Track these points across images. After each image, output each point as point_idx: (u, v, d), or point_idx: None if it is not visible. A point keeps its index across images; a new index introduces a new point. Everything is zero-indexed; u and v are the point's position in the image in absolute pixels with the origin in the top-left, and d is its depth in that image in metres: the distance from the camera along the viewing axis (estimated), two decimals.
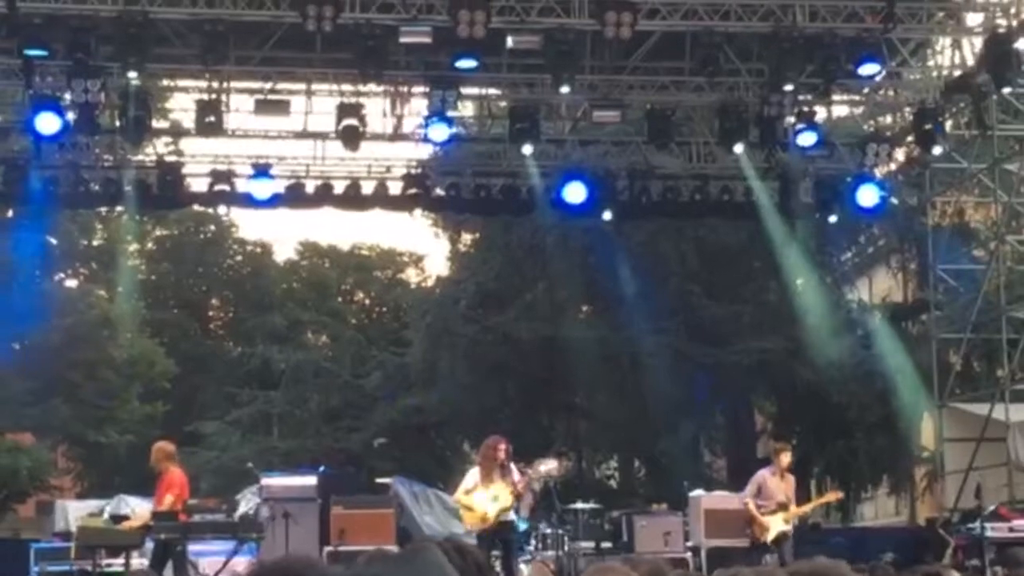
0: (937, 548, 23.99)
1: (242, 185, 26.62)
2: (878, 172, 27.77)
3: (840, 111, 29.78)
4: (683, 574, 8.05)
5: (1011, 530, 23.02)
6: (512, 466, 19.55)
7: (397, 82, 25.33)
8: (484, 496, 19.19)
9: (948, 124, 27.71)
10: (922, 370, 32.50)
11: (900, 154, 30.54)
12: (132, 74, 22.65)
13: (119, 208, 37.93)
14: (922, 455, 39.90)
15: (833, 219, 29.96)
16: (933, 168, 30.94)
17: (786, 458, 21.64)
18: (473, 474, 19.78)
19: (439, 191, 28.34)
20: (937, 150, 26.72)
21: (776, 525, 20.89)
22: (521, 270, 39.06)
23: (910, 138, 27.81)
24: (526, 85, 25.32)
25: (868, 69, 23.65)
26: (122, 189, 26.70)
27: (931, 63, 27.04)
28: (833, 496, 24.36)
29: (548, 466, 21.45)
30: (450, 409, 40.30)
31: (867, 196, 27.09)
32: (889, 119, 29.29)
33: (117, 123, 24.72)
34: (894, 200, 33.61)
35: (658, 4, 22.19)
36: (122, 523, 21.32)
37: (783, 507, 20.97)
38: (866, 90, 27.21)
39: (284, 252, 57.38)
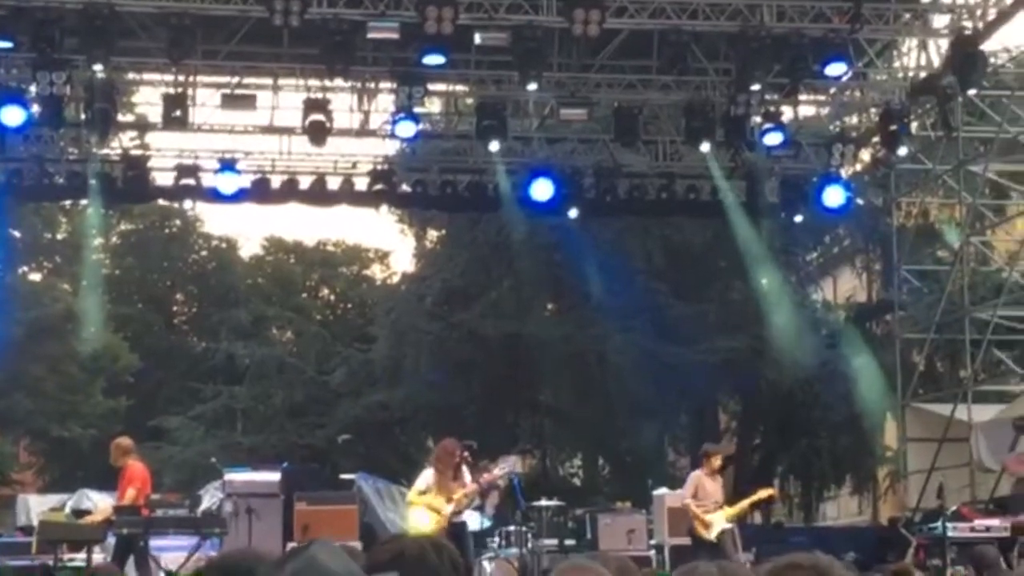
0: (899, 548, 24.05)
1: (208, 180, 26.54)
2: (844, 172, 27.86)
3: (807, 111, 29.90)
4: (650, 572, 8.06)
5: (972, 530, 23.06)
6: (464, 468, 19.47)
7: (364, 78, 25.28)
8: (437, 498, 19.11)
9: (914, 125, 27.81)
10: (886, 370, 32.63)
11: (866, 155, 30.72)
12: (97, 67, 22.52)
13: (84, 201, 37.78)
14: (885, 455, 40.10)
15: (798, 219, 30.00)
16: (898, 169, 31.08)
17: (717, 462, 21.77)
18: (426, 475, 19.66)
19: (405, 187, 28.31)
20: (902, 151, 26.83)
21: (718, 522, 21.01)
22: (487, 267, 39.07)
23: (876, 139, 27.91)
24: (493, 82, 25.30)
25: (835, 69, 23.69)
26: (87, 182, 26.57)
27: (897, 64, 27.15)
28: (765, 493, 24.39)
29: (510, 463, 21.42)
30: (415, 406, 40.29)
31: (833, 196, 27.15)
32: (855, 119, 29.38)
33: (82, 116, 24.59)
34: (859, 200, 33.77)
35: (626, 2, 22.18)
36: (84, 518, 21.25)
37: (720, 506, 21.11)
38: (832, 90, 27.28)
39: (249, 247, 57.34)
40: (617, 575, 6.32)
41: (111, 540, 20.26)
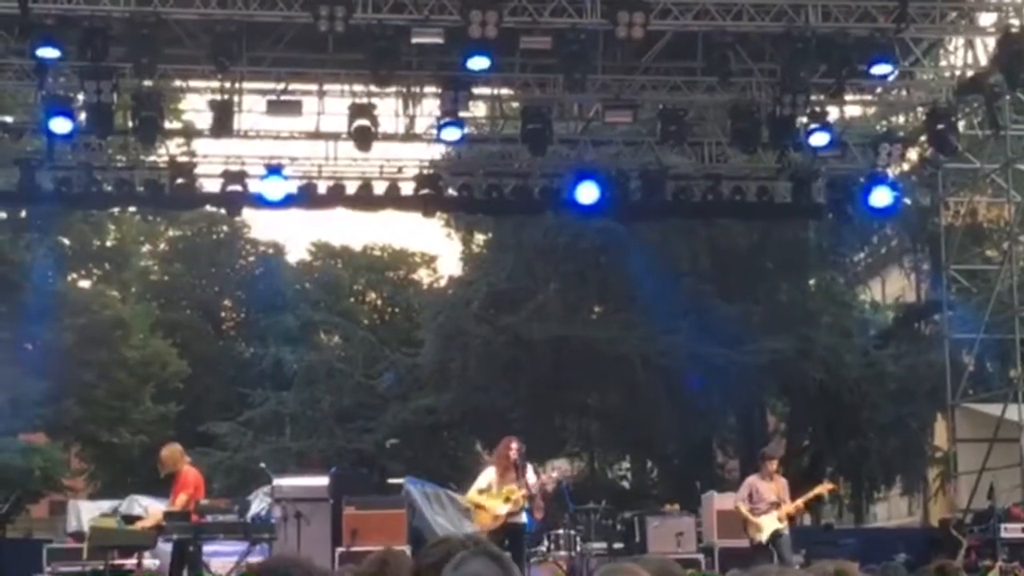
0: (950, 548, 23.93)
1: (254, 186, 26.60)
2: (890, 172, 27.74)
3: (853, 111, 29.76)
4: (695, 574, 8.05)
5: None
6: (528, 466, 19.56)
7: (409, 82, 25.31)
8: (496, 496, 19.19)
9: (961, 124, 27.66)
10: (935, 370, 32.46)
11: (913, 154, 30.53)
12: (144, 75, 22.63)
13: (132, 209, 38.02)
14: (935, 455, 39.89)
15: (846, 219, 29.87)
16: (946, 168, 30.89)
17: (772, 465, 21.73)
18: (488, 474, 19.77)
19: (451, 191, 28.32)
20: (950, 150, 26.66)
21: (769, 524, 20.98)
22: (533, 270, 39.07)
23: (923, 138, 27.76)
24: (538, 85, 25.28)
25: (881, 69, 23.58)
26: (135, 190, 26.70)
27: (944, 63, 27.01)
28: (824, 488, 24.34)
29: (561, 469, 21.48)
30: (462, 410, 40.32)
31: (880, 196, 27.03)
32: (902, 119, 29.26)
33: (130, 124, 24.73)
34: (907, 200, 33.60)
35: (670, 4, 22.14)
36: (134, 523, 21.33)
37: (775, 506, 21.07)
38: (879, 90, 27.15)
39: (296, 253, 57.50)
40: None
41: (161, 546, 20.37)
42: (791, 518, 22.04)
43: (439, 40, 22.13)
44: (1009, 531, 23.32)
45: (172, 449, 20.67)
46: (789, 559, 20.81)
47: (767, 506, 21.15)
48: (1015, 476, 28.15)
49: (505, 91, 27.28)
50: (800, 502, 22.03)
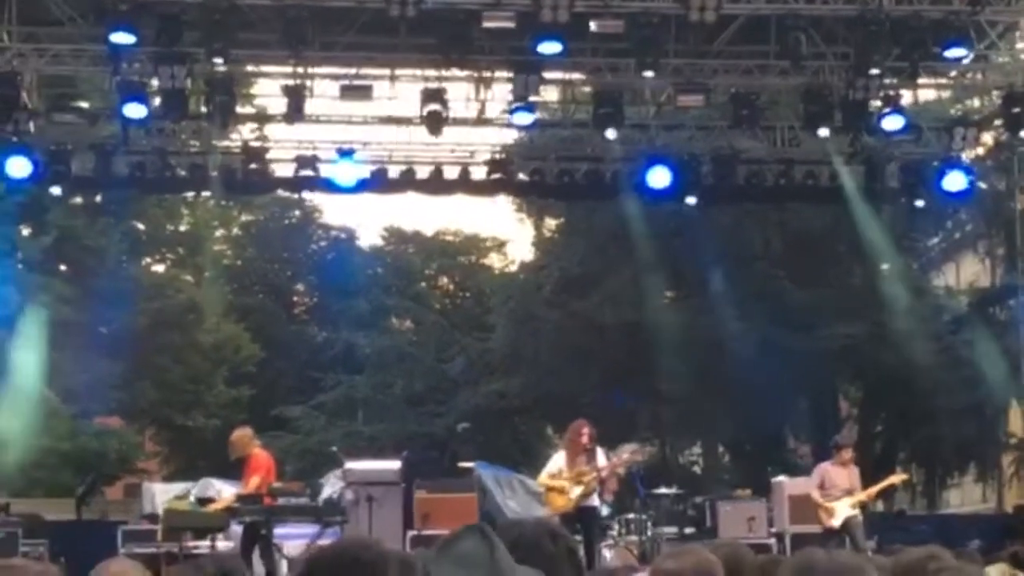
0: None
1: (326, 170, 26.71)
2: (965, 156, 27.52)
3: (927, 95, 29.53)
4: (765, 558, 8.04)
5: None
6: (598, 450, 19.60)
7: (480, 67, 25.31)
8: (568, 480, 19.24)
9: None
10: (1009, 356, 32.22)
11: (988, 138, 30.23)
12: (218, 60, 22.76)
13: (205, 193, 38.25)
14: (1009, 442, 39.58)
15: (919, 204, 29.65)
16: (1021, 152, 30.64)
17: (847, 454, 21.79)
18: (558, 458, 19.84)
19: (523, 176, 28.31)
20: None
21: (842, 510, 20.99)
22: (605, 255, 39.02)
23: (998, 122, 27.49)
24: (610, 70, 25.22)
25: (955, 52, 23.40)
26: (208, 175, 26.85)
27: (1020, 46, 26.76)
28: (898, 478, 24.23)
29: (632, 451, 21.50)
30: (533, 394, 40.38)
31: (954, 181, 26.82)
32: (977, 102, 29.03)
33: (203, 109, 24.87)
34: (982, 185, 33.32)
35: None
36: (207, 506, 21.51)
37: (848, 493, 21.08)
38: (953, 73, 26.93)
39: (368, 237, 57.66)
40: (728, 561, 6.33)
41: (235, 527, 20.53)
42: (863, 506, 22.02)
43: (510, 24, 22.14)
44: None
45: (242, 433, 20.85)
46: (863, 544, 20.77)
47: (840, 492, 21.14)
48: None
49: (576, 75, 27.24)
50: (872, 491, 22.03)
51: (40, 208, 38.60)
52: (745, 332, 35.58)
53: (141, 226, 46.89)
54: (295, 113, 24.47)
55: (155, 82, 23.07)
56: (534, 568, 4.77)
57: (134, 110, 23.58)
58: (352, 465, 24.92)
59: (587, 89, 26.89)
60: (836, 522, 21.02)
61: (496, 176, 27.40)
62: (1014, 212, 32.55)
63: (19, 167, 24.97)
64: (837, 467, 21.49)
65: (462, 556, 4.26)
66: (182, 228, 50.43)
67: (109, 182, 27.49)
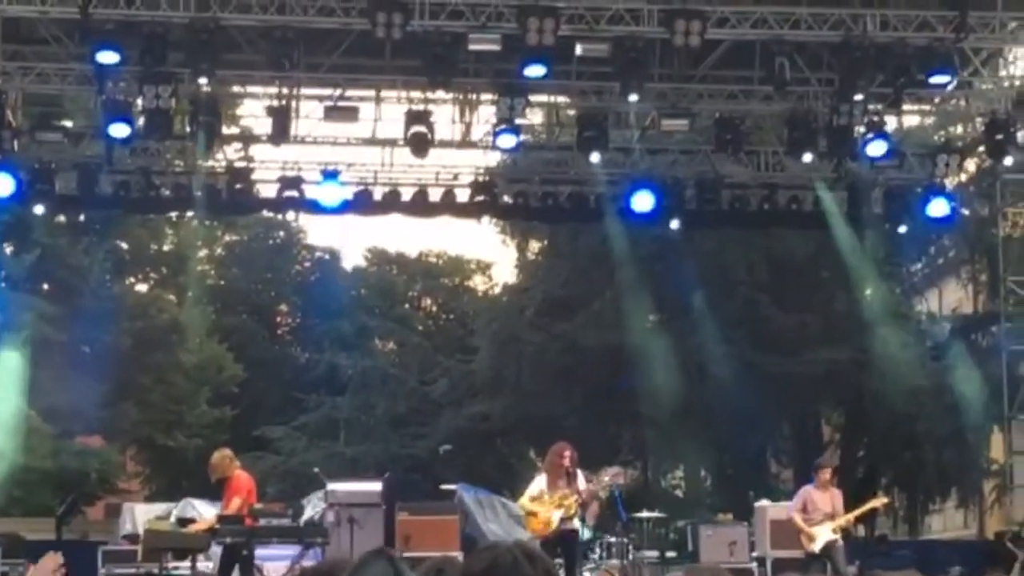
0: (1005, 562, 23.80)
1: (311, 191, 26.71)
2: (948, 183, 27.57)
3: (910, 121, 29.60)
4: None
5: None
6: (579, 473, 19.58)
7: (466, 89, 25.35)
8: (549, 503, 19.21)
9: (1020, 135, 27.46)
10: (992, 382, 32.28)
11: (971, 165, 30.37)
12: (203, 80, 22.75)
13: (189, 213, 38.20)
14: (991, 468, 39.62)
15: (903, 229, 29.72)
16: (1004, 179, 30.75)
17: (826, 475, 21.82)
18: (539, 481, 19.82)
19: (507, 198, 28.31)
20: (1008, 161, 26.47)
21: (823, 535, 21.02)
22: (588, 278, 39.05)
23: (981, 148, 27.57)
24: (594, 93, 25.27)
25: (939, 79, 23.47)
26: (192, 194, 26.82)
27: (1003, 73, 26.82)
28: (879, 502, 24.30)
29: (613, 475, 21.49)
30: (516, 416, 40.34)
31: (937, 207, 26.89)
32: (960, 129, 29.09)
33: (188, 129, 24.87)
34: (964, 211, 33.42)
35: (728, 13, 22.10)
36: (189, 526, 21.47)
37: (830, 517, 21.10)
38: (937, 100, 27.01)
39: (352, 258, 57.65)
40: None
41: (216, 549, 20.49)
42: (844, 530, 22.03)
43: (496, 47, 22.17)
44: None
45: (222, 454, 20.84)
46: (843, 569, 20.78)
47: (822, 516, 21.16)
48: None
49: (561, 99, 27.30)
50: (853, 515, 22.04)
51: (23, 227, 38.50)
52: (728, 356, 35.59)
53: (125, 245, 46.87)
54: (280, 134, 24.47)
55: (140, 102, 23.01)
56: None
57: (119, 129, 23.54)
58: (334, 486, 24.88)
59: (572, 112, 26.95)
60: (817, 547, 21.04)
61: (480, 198, 27.42)
62: (996, 238, 32.66)
63: (2, 185, 24.90)
64: (819, 490, 21.51)
65: None
66: (166, 248, 50.39)
67: (93, 201, 27.47)
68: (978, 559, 25.80)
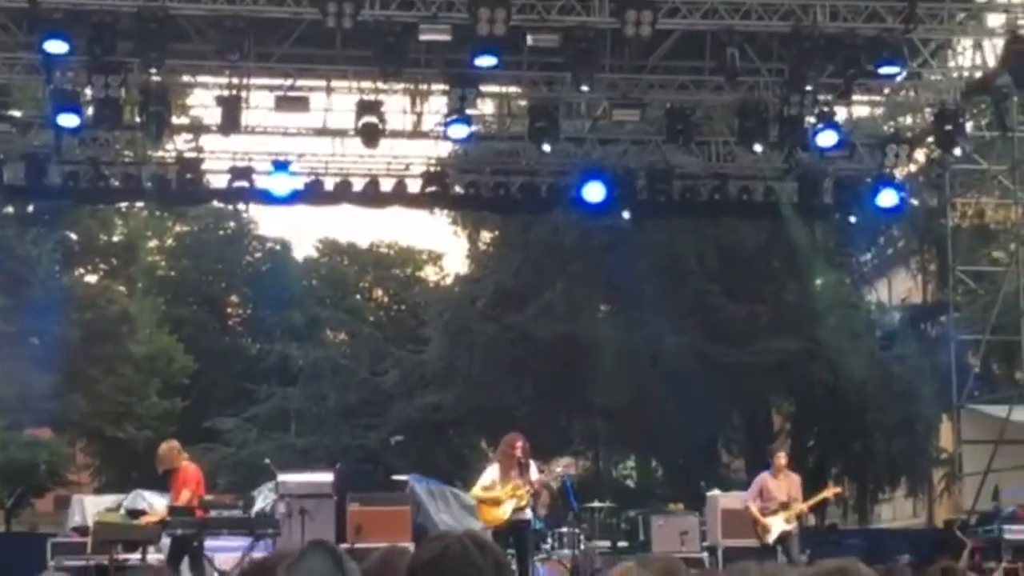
0: (954, 550, 23.93)
1: (261, 182, 26.63)
2: (898, 173, 27.70)
3: (860, 111, 29.73)
4: (700, 572, 8.07)
5: None
6: (531, 463, 19.61)
7: (417, 80, 25.31)
8: (501, 493, 19.22)
9: (968, 125, 27.62)
10: (941, 371, 32.46)
11: (920, 155, 30.52)
12: (152, 70, 22.64)
13: (139, 204, 37.99)
14: (940, 457, 39.88)
15: (853, 220, 29.85)
16: (953, 169, 30.92)
17: (781, 459, 21.95)
18: (491, 471, 19.83)
19: (458, 189, 28.30)
20: (957, 151, 26.64)
21: (777, 525, 21.14)
22: (540, 269, 39.06)
23: (930, 139, 27.70)
24: (546, 83, 25.27)
25: (889, 69, 23.54)
26: (142, 185, 26.71)
27: (952, 64, 26.95)
28: (831, 492, 24.44)
29: (565, 465, 21.53)
30: (467, 407, 40.32)
31: (887, 198, 27.02)
32: (909, 120, 29.21)
33: (137, 119, 24.73)
34: (914, 201, 33.59)
35: (678, 3, 22.10)
36: (139, 518, 21.38)
37: (784, 507, 21.20)
38: (887, 90, 27.13)
39: (303, 249, 57.50)
40: (663, 575, 6.33)
41: (166, 540, 20.40)
42: (798, 518, 22.15)
43: (447, 37, 22.12)
44: (1014, 533, 23.29)
45: (170, 446, 20.78)
46: (796, 558, 20.89)
47: (776, 506, 21.24)
48: (1020, 478, 28.14)
49: (513, 89, 27.28)
50: (805, 506, 22.16)
51: None
52: (679, 346, 35.68)
53: (74, 236, 46.57)
54: (230, 124, 24.37)
55: (89, 91, 22.88)
56: None
57: (67, 119, 23.42)
58: (285, 478, 24.82)
59: (523, 103, 26.94)
60: (771, 538, 21.15)
61: (431, 189, 27.39)
62: (946, 228, 32.81)
63: None
64: (775, 478, 21.60)
65: (312, 572, 4.28)
66: (115, 238, 50.08)
67: (42, 191, 27.33)
68: (927, 547, 25.92)
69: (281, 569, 4.35)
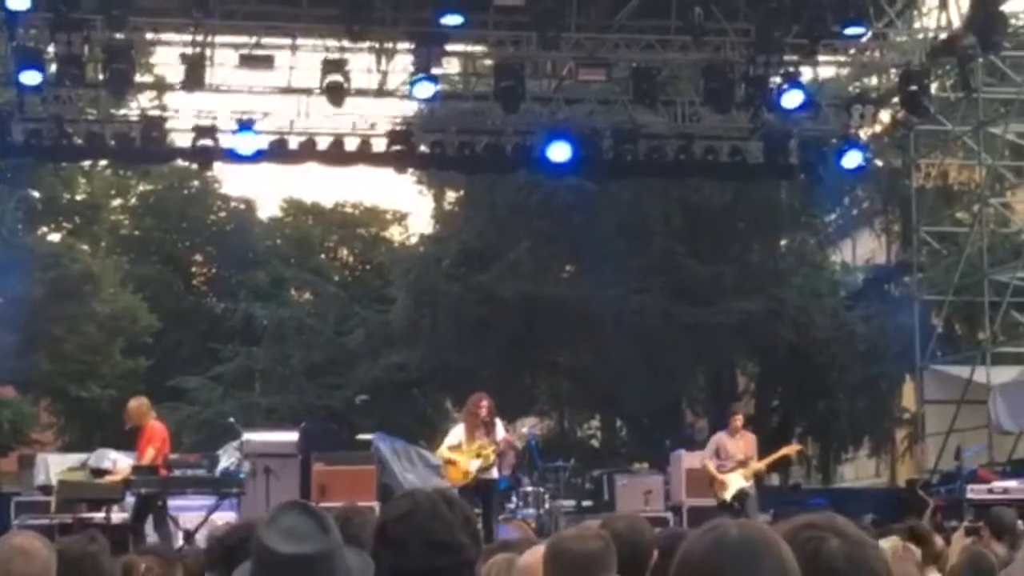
0: (917, 509, 24.05)
1: (226, 140, 26.51)
2: (863, 134, 27.75)
3: (826, 72, 29.75)
4: (667, 532, 8.09)
5: (990, 492, 23.11)
6: (497, 423, 19.66)
7: (382, 38, 25.21)
8: (467, 452, 19.27)
9: (933, 86, 27.70)
10: (904, 332, 32.60)
11: (885, 116, 30.54)
12: (116, 27, 22.49)
13: (103, 163, 37.75)
14: (903, 417, 40.09)
15: (817, 180, 29.90)
16: (918, 130, 30.98)
17: (738, 420, 22.13)
18: (457, 430, 19.89)
19: (423, 148, 28.23)
20: (922, 112, 26.69)
21: (735, 482, 21.25)
22: (505, 228, 39.03)
23: (895, 100, 27.76)
24: (512, 43, 25.21)
25: (854, 30, 23.61)
26: (106, 143, 26.55)
27: (917, 25, 27.00)
28: (791, 450, 24.58)
29: (531, 425, 21.58)
30: (432, 367, 40.31)
31: (852, 159, 27.09)
32: (875, 81, 29.26)
33: (101, 77, 24.58)
34: (879, 162, 33.66)
35: None
36: (103, 477, 21.33)
37: (742, 465, 21.32)
38: (852, 51, 27.14)
39: (268, 209, 57.28)
40: (627, 534, 6.36)
41: (130, 499, 20.37)
42: (757, 477, 22.25)
43: None
44: (975, 492, 23.43)
45: (140, 402, 20.68)
46: (754, 517, 20.94)
47: (733, 464, 21.34)
48: (982, 438, 28.33)
49: (478, 48, 27.22)
50: (764, 463, 22.27)
51: None
52: (644, 306, 35.75)
53: (37, 194, 46.26)
54: (194, 82, 24.27)
55: (52, 49, 22.75)
56: (433, 535, 4.79)
57: (30, 77, 23.28)
58: (250, 437, 24.82)
59: (488, 62, 26.87)
60: (728, 495, 21.25)
61: (397, 148, 27.30)
62: (910, 190, 32.93)
63: None
64: (732, 437, 21.71)
65: (290, 529, 4.29)
66: (79, 197, 49.81)
67: (4, 150, 27.13)
68: (890, 506, 26.07)
69: (261, 525, 4.36)
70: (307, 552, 4.25)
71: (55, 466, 26.83)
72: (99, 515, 20.69)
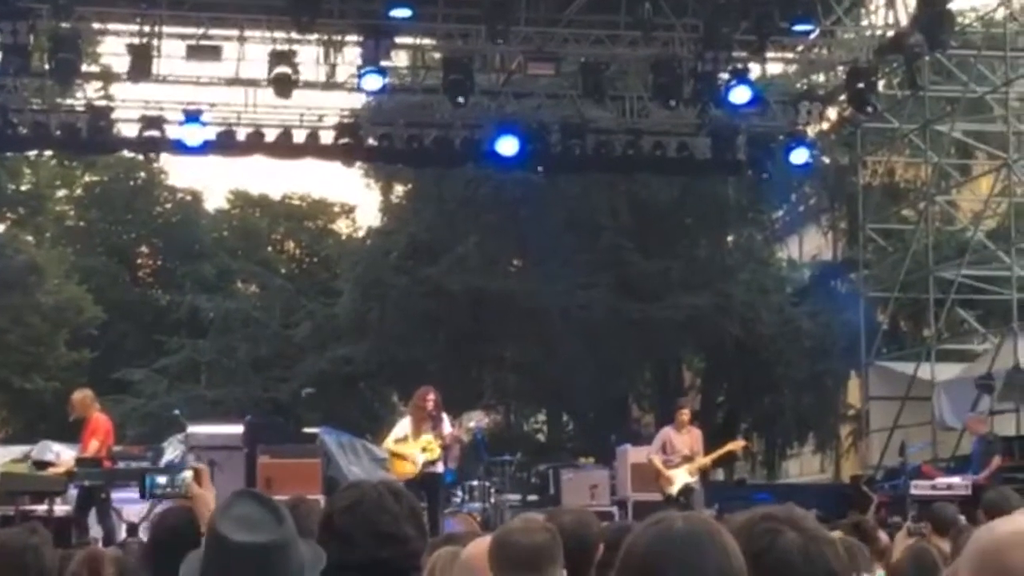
0: (861, 505, 24.16)
1: (173, 131, 26.38)
2: (810, 131, 27.86)
3: (774, 69, 29.88)
4: (613, 525, 8.09)
5: (934, 488, 23.22)
6: (444, 416, 19.65)
7: (331, 30, 25.15)
8: (413, 446, 19.25)
9: (880, 84, 27.81)
10: (850, 328, 32.73)
11: (832, 113, 30.66)
12: (62, 16, 22.35)
13: (48, 153, 37.47)
14: (848, 413, 40.27)
15: (765, 177, 29.99)
16: (864, 128, 31.12)
17: (685, 415, 22.17)
18: (404, 424, 19.87)
19: (372, 141, 28.18)
20: (869, 110, 26.80)
21: (681, 477, 21.31)
22: (453, 222, 38.97)
23: (842, 97, 27.88)
24: (461, 36, 25.18)
25: (802, 27, 23.69)
26: (51, 133, 26.39)
27: (865, 22, 27.11)
28: (736, 445, 24.65)
29: (477, 419, 21.58)
30: (379, 360, 40.23)
31: (799, 155, 27.20)
32: (822, 78, 29.37)
33: (46, 66, 24.41)
34: (825, 159, 33.80)
35: None
36: (46, 469, 21.20)
37: (688, 460, 21.39)
38: (800, 48, 27.25)
39: (215, 201, 56.99)
40: (574, 527, 6.35)
41: (73, 492, 20.25)
42: (702, 472, 22.31)
43: None
44: (918, 488, 23.53)
45: (84, 394, 20.58)
46: (700, 512, 21.00)
47: (679, 459, 21.39)
48: (926, 434, 28.46)
49: (427, 41, 27.19)
50: (710, 458, 22.33)
51: None
52: (591, 301, 35.77)
53: None
54: (141, 72, 24.13)
55: None
56: (379, 526, 4.78)
57: None
58: (195, 429, 24.71)
59: (437, 55, 26.85)
60: (674, 490, 21.31)
61: (345, 140, 27.25)
62: (856, 187, 33.06)
63: None
64: (678, 432, 21.76)
65: (244, 518, 4.25)
66: (23, 187, 49.50)
67: None
68: (834, 502, 26.16)
69: (216, 513, 4.31)
70: (262, 541, 4.20)
71: None
72: (42, 507, 20.55)
